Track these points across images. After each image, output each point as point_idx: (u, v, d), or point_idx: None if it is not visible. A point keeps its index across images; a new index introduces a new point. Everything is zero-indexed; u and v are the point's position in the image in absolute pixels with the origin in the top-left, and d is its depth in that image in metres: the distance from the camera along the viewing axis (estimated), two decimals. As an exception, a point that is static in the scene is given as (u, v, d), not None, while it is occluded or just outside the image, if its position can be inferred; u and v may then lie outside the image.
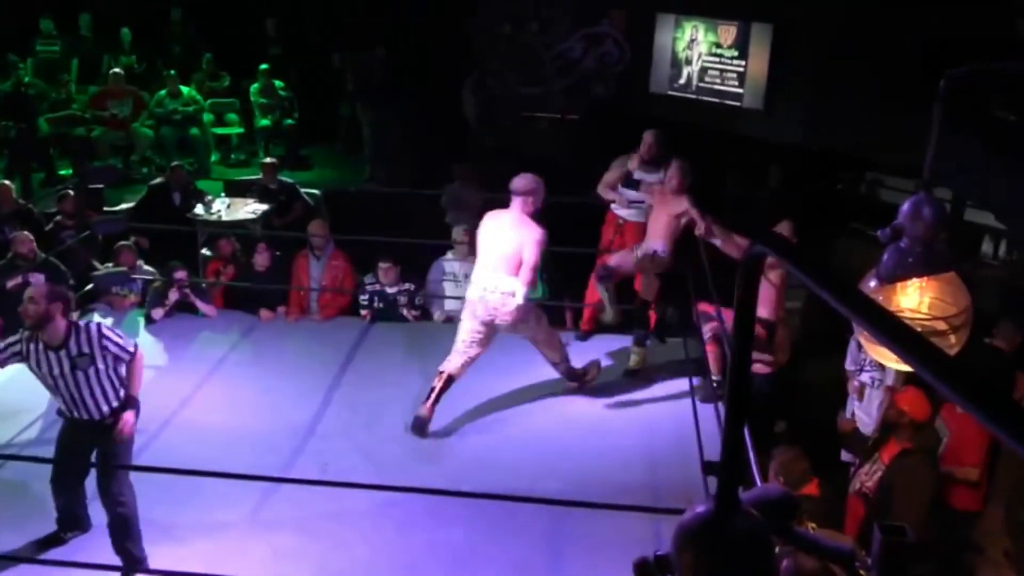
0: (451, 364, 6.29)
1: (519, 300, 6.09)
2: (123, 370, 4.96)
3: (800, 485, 4.84)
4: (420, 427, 6.19)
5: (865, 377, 6.03)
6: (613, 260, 6.86)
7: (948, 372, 0.99)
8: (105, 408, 4.89)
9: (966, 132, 6.36)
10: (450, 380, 6.28)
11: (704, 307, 6.16)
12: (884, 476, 4.85)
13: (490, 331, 6.28)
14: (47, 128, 11.44)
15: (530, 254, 6.06)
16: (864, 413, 6.03)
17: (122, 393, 4.97)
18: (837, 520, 5.10)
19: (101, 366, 4.85)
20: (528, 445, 6.16)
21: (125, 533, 4.84)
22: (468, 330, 6.29)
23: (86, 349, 4.81)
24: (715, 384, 6.14)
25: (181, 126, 11.73)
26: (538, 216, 6.24)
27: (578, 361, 6.91)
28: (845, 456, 6.21)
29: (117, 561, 4.77)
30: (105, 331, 4.93)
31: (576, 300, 8.03)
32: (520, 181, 6.22)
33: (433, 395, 6.22)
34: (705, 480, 4.41)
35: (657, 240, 6.62)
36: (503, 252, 6.12)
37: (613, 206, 7.55)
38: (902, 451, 4.82)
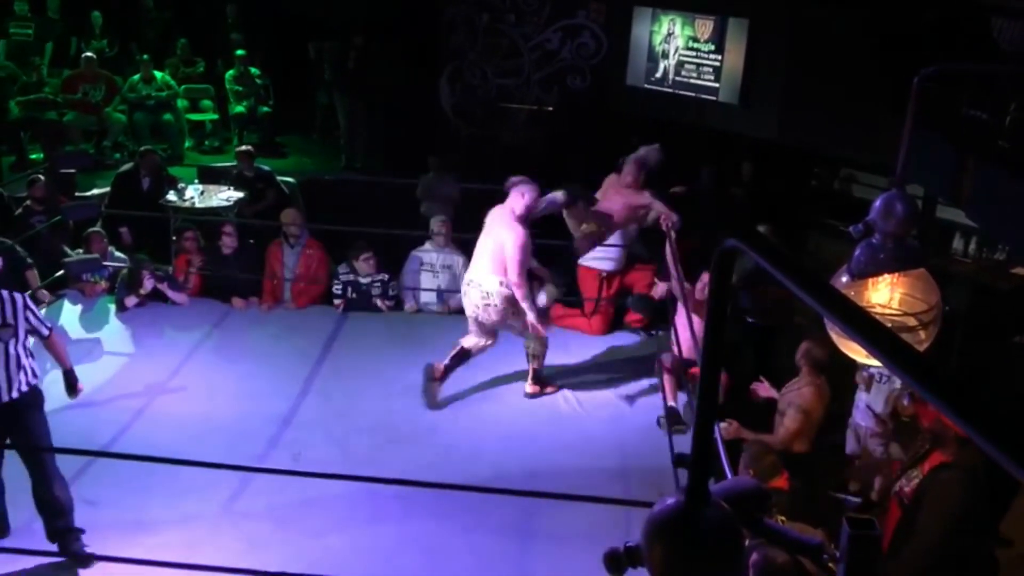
0: (467, 340, 6.49)
1: (495, 301, 6.15)
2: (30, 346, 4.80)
3: (770, 478, 4.87)
4: (429, 383, 6.48)
5: (873, 370, 5.90)
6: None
7: (917, 368, 1.00)
8: (23, 386, 4.69)
9: (938, 130, 6.41)
10: (463, 353, 6.48)
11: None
12: (919, 485, 4.79)
13: (479, 326, 6.35)
14: (18, 111, 11.29)
15: (512, 254, 6.08)
16: (872, 405, 5.91)
17: (36, 371, 4.81)
18: (806, 513, 5.14)
19: (21, 337, 4.67)
20: (500, 436, 6.17)
21: (69, 516, 4.79)
22: (469, 320, 6.46)
23: (11, 320, 4.61)
24: (667, 414, 6.17)
25: (154, 111, 11.60)
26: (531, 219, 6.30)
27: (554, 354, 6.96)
28: (851, 447, 6.10)
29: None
30: (28, 302, 4.78)
31: None
32: (513, 178, 6.35)
33: (447, 361, 6.47)
34: (676, 472, 4.44)
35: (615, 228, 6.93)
36: (486, 248, 6.19)
37: (583, 260, 7.69)
38: (941, 464, 4.75)
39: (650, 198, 6.75)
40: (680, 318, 6.42)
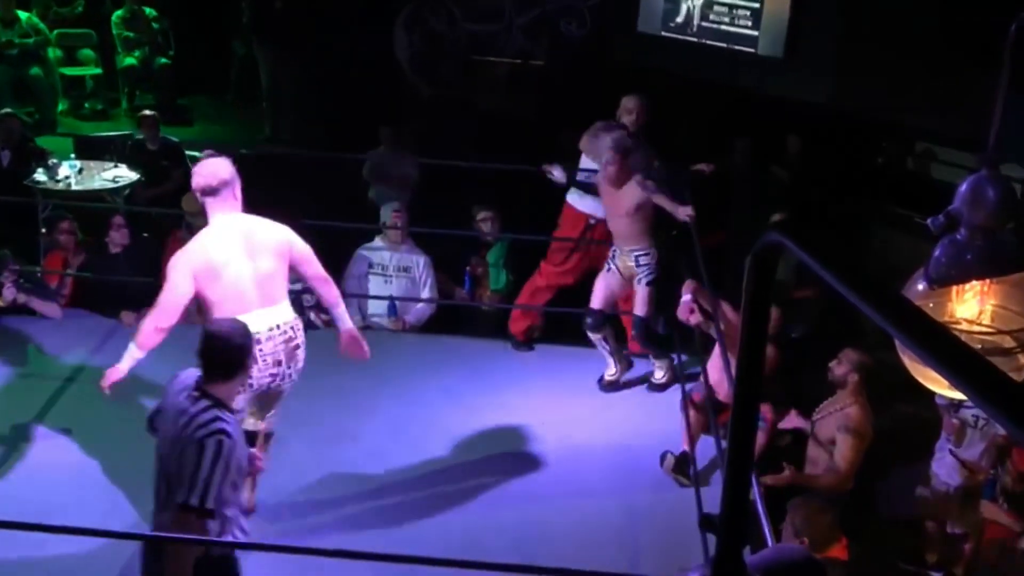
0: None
1: (300, 335, 5.68)
2: None
3: (824, 546, 4.89)
4: None
5: (966, 414, 5.89)
6: (596, 299, 7.06)
7: (1014, 402, 0.99)
8: None
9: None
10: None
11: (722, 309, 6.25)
12: None
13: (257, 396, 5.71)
14: None
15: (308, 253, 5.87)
16: (962, 456, 5.90)
17: None
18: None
19: None
20: (471, 491, 6.16)
21: None
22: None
23: None
24: (677, 457, 6.23)
25: (17, 64, 11.54)
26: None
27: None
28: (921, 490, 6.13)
29: None
30: None
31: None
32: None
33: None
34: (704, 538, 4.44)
35: (631, 242, 6.85)
36: (260, 277, 5.67)
37: (572, 197, 7.69)
38: None
39: (649, 189, 6.77)
40: (714, 357, 6.43)
